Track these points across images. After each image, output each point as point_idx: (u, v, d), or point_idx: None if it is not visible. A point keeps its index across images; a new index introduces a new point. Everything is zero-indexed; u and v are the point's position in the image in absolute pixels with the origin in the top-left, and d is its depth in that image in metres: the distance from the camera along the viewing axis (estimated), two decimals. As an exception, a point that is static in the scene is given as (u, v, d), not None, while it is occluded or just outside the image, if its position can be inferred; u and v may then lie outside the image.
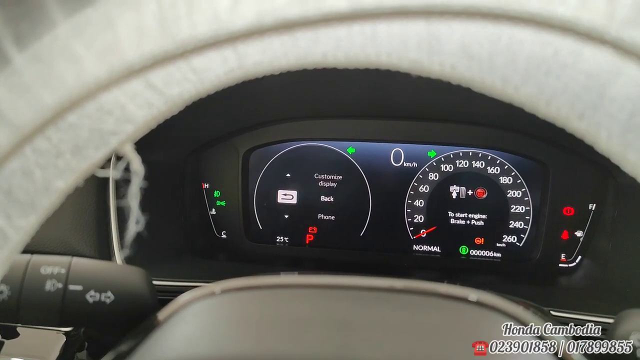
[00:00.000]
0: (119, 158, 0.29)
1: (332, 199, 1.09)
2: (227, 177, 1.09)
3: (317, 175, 1.09)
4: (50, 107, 0.23)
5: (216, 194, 1.10)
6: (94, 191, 0.80)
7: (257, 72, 0.28)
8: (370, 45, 0.27)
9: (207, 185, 1.10)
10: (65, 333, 0.70)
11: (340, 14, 0.22)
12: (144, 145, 0.30)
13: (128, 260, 0.80)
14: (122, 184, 0.29)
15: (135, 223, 0.29)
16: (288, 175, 1.10)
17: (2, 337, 0.69)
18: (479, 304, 0.33)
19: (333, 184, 1.09)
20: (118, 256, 0.79)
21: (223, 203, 1.10)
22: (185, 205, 1.06)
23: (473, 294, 0.33)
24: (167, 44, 0.23)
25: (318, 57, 0.27)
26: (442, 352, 0.26)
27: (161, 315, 0.39)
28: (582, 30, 0.21)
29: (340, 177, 1.09)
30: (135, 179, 0.29)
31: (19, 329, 0.69)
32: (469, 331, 0.30)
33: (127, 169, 0.29)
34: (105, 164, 0.29)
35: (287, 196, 1.10)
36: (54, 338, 0.71)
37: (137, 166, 0.29)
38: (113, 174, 0.79)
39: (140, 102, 0.28)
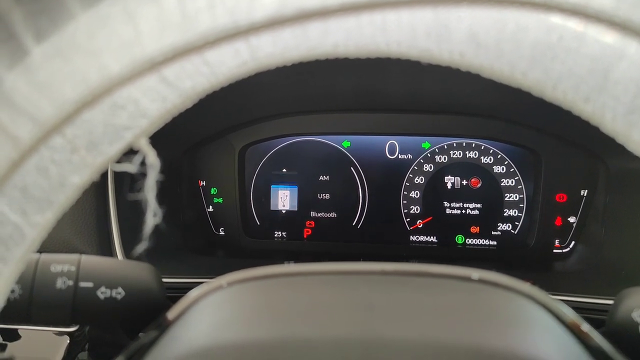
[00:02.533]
0: (134, 152, 0.29)
1: (328, 193, 1.10)
2: (224, 174, 1.10)
3: (313, 170, 1.10)
4: (71, 101, 0.24)
5: (213, 191, 1.10)
6: (93, 190, 0.80)
7: (269, 64, 0.28)
8: (380, 35, 0.27)
9: (204, 183, 1.11)
10: (69, 333, 0.70)
11: (358, 3, 0.23)
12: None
13: (128, 259, 0.80)
14: (139, 177, 0.29)
15: (153, 216, 0.30)
16: (284, 170, 1.10)
17: (3, 340, 0.69)
18: (495, 284, 0.34)
19: (329, 178, 1.10)
20: (120, 254, 0.79)
21: (220, 200, 1.10)
22: (182, 203, 1.06)
23: (502, 277, 0.35)
24: (188, 37, 0.23)
25: (329, 48, 0.28)
26: (467, 330, 0.27)
27: (173, 312, 0.39)
28: (592, 12, 0.22)
29: (336, 171, 1.09)
30: (151, 172, 0.29)
31: (22, 331, 0.68)
32: (486, 309, 0.31)
33: (142, 163, 0.29)
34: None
35: (284, 191, 1.11)
36: (57, 339, 0.70)
37: (153, 159, 0.29)
38: (111, 170, 0.78)
39: (153, 96, 0.28)
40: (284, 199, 1.11)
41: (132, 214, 0.84)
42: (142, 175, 0.29)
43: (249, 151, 1.11)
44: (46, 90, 0.23)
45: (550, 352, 0.27)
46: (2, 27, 0.23)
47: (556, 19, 0.26)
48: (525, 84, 0.28)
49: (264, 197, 1.11)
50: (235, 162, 1.09)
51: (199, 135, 1.08)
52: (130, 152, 0.29)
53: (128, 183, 0.85)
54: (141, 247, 0.31)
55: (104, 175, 0.83)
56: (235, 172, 1.09)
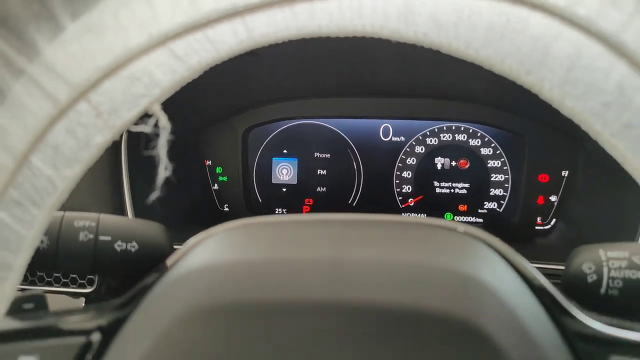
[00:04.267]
0: (149, 116, 0.34)
1: (326, 173, 1.15)
2: (228, 155, 1.15)
3: (312, 151, 1.15)
4: (101, 68, 0.29)
5: (218, 170, 1.16)
6: (107, 160, 0.86)
7: (263, 42, 0.33)
8: (358, 18, 0.32)
9: (210, 162, 1.16)
10: (85, 295, 0.75)
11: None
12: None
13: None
14: (152, 137, 0.34)
15: (164, 169, 0.35)
16: (285, 151, 1.16)
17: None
18: (474, 236, 0.39)
19: (327, 159, 1.15)
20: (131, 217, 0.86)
21: (225, 179, 1.16)
22: (189, 181, 1.11)
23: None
24: (195, 16, 0.28)
25: (314, 28, 0.33)
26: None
27: (172, 259, 0.42)
28: (537, 3, 0.27)
29: (334, 153, 1.15)
30: (163, 132, 0.34)
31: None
32: (442, 244, 0.36)
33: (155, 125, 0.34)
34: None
35: (284, 171, 1.16)
36: (74, 301, 0.76)
37: (165, 122, 0.34)
38: (125, 145, 0.83)
39: (165, 69, 0.33)
40: (284, 178, 1.16)
41: (143, 182, 0.90)
42: (155, 135, 0.34)
43: (252, 133, 1.16)
44: (79, 60, 0.29)
45: (487, 274, 0.32)
46: (44, 9, 0.28)
47: (505, 5, 0.31)
48: (478, 59, 0.33)
49: (266, 177, 1.17)
50: (239, 144, 1.14)
51: (204, 118, 1.13)
52: (145, 116, 0.34)
53: (142, 145, 0.90)
54: (153, 196, 0.36)
55: (117, 149, 0.88)
56: (239, 153, 1.15)
